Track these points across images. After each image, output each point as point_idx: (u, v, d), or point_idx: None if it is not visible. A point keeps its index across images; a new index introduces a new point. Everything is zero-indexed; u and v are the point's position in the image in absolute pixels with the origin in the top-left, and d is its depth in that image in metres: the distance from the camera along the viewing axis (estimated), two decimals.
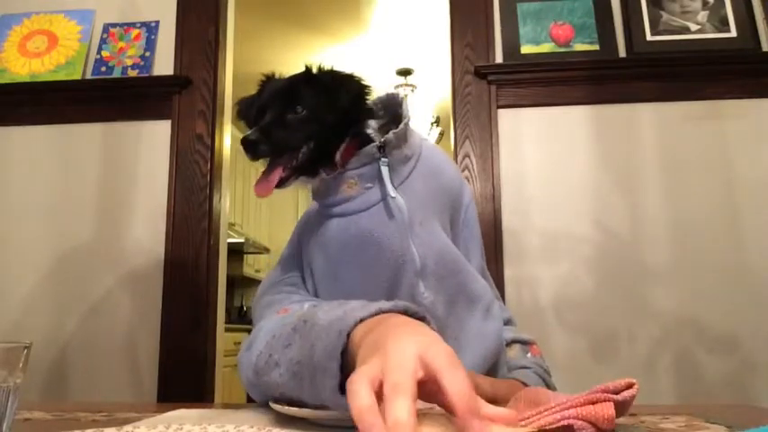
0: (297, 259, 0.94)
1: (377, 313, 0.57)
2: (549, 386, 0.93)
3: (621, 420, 0.63)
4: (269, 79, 0.92)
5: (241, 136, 0.85)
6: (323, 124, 0.84)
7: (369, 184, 0.85)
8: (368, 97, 0.89)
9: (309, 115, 0.84)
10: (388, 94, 0.94)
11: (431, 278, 0.86)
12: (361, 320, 0.56)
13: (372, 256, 0.83)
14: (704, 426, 0.64)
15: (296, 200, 5.55)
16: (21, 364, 0.52)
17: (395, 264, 0.83)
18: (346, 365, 0.55)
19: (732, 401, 1.63)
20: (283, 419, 0.64)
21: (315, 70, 0.88)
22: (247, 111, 0.91)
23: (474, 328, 0.90)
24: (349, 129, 0.86)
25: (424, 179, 0.89)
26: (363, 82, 0.88)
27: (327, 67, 0.89)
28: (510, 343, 0.96)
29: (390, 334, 0.49)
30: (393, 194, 0.83)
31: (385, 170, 0.84)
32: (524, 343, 0.98)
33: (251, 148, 0.80)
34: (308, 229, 0.92)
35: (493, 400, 0.76)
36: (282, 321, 0.73)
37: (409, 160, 0.88)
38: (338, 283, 0.86)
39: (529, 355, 0.96)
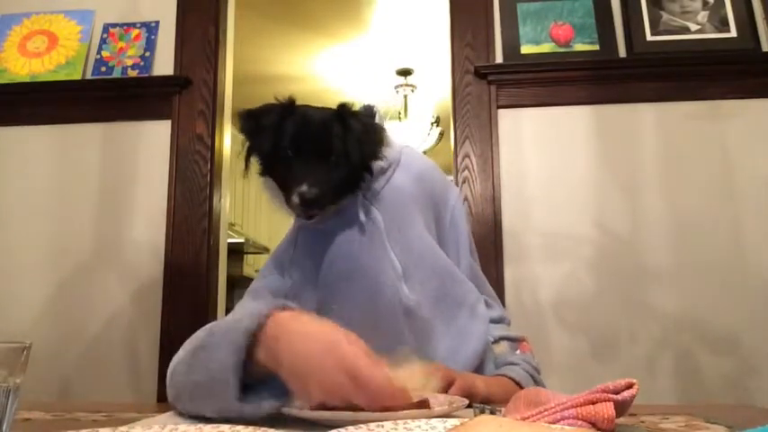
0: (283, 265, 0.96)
1: (262, 321, 0.64)
2: (537, 383, 0.94)
3: (621, 420, 0.63)
4: (290, 108, 0.87)
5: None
6: (350, 172, 0.86)
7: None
8: (385, 145, 0.91)
9: (342, 164, 0.85)
10: (365, 107, 0.96)
11: (414, 281, 0.88)
12: (255, 332, 0.63)
13: (350, 271, 0.86)
14: (704, 426, 0.64)
15: None
16: (21, 364, 0.52)
17: (372, 275, 0.86)
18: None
19: (732, 401, 1.62)
20: (282, 420, 0.64)
21: (346, 110, 0.87)
22: (261, 133, 0.86)
23: (460, 327, 0.92)
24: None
25: (403, 186, 0.92)
26: (385, 131, 0.91)
27: (356, 107, 0.90)
28: (498, 340, 0.97)
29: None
30: (363, 218, 0.87)
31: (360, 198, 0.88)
32: (513, 340, 0.98)
33: (311, 204, 0.82)
34: (292, 240, 0.95)
35: (487, 400, 0.77)
36: (180, 355, 0.75)
37: (385, 171, 0.91)
38: (323, 293, 0.88)
39: (518, 352, 0.97)
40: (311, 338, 0.63)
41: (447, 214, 0.99)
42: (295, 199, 0.82)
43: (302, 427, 0.59)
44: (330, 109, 0.89)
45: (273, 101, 0.89)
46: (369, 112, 0.95)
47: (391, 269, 0.86)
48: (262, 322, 0.64)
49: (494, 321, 0.98)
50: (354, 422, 0.53)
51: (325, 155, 0.84)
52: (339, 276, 0.87)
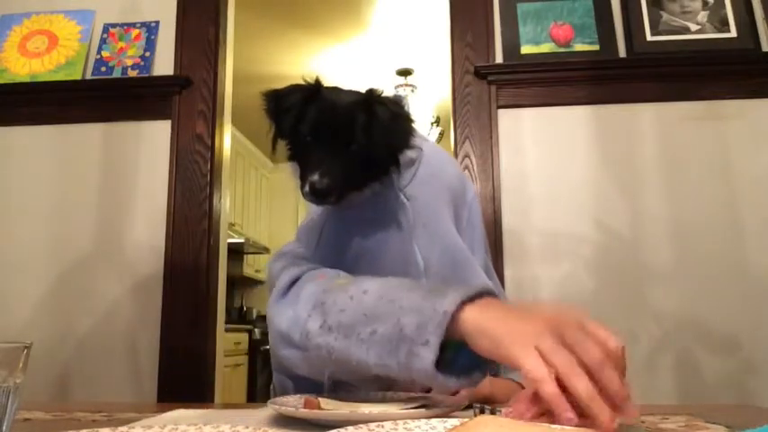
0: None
1: (474, 297, 0.61)
2: None
3: (621, 420, 0.63)
4: (315, 90, 0.84)
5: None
6: (374, 161, 0.83)
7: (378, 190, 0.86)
8: (414, 136, 0.87)
9: (364, 151, 0.82)
10: (394, 96, 0.94)
11: (436, 278, 0.87)
12: (463, 303, 0.60)
13: (374, 265, 0.85)
14: (704, 426, 0.64)
15: (296, 200, 5.55)
16: (21, 364, 0.52)
17: (395, 270, 0.84)
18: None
19: (732, 401, 1.62)
20: (281, 420, 0.64)
21: (373, 97, 0.84)
22: (283, 115, 0.84)
23: None
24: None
25: (427, 180, 0.90)
26: (413, 121, 0.87)
27: (384, 95, 0.86)
28: None
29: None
30: (396, 212, 0.85)
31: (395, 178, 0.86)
32: None
33: (320, 195, 0.79)
34: (319, 224, 0.92)
35: (491, 399, 0.76)
36: (325, 287, 0.73)
37: (413, 164, 0.89)
38: None
39: None
40: (532, 309, 0.59)
41: (465, 211, 0.98)
42: (306, 188, 0.79)
43: (301, 428, 0.59)
44: (358, 93, 0.85)
45: (301, 81, 0.85)
46: (397, 100, 0.92)
47: (414, 265, 0.86)
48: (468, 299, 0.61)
49: None
50: (353, 422, 0.53)
51: (346, 143, 0.81)
52: (362, 270, 0.85)
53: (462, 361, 0.62)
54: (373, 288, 0.69)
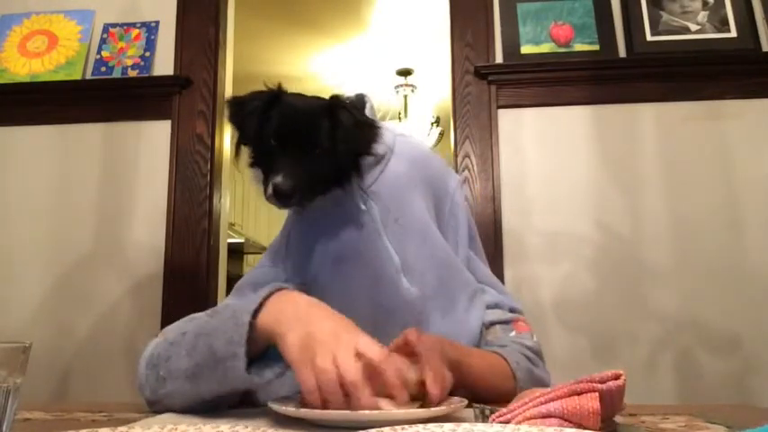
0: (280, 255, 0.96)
1: (264, 299, 0.70)
2: (531, 361, 0.90)
3: (621, 420, 0.63)
4: (277, 96, 0.85)
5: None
6: (336, 165, 0.84)
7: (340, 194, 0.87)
8: (378, 142, 0.87)
9: (327, 157, 0.82)
10: (357, 95, 0.95)
11: (414, 272, 0.87)
12: (256, 311, 0.68)
13: (346, 259, 0.86)
14: (704, 426, 0.64)
15: None
16: (21, 364, 0.52)
17: (370, 266, 0.85)
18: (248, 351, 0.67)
19: (732, 401, 1.62)
20: (281, 419, 0.64)
21: (337, 103, 0.84)
22: (246, 120, 0.85)
23: (457, 317, 0.91)
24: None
25: (398, 175, 0.90)
26: (378, 128, 0.87)
27: (348, 98, 0.88)
28: (489, 326, 0.95)
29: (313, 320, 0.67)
30: (363, 207, 0.86)
31: (355, 186, 0.87)
32: (505, 323, 0.95)
33: (284, 198, 0.81)
34: (292, 229, 0.95)
35: (459, 362, 0.76)
36: (158, 341, 0.82)
37: (380, 161, 0.89)
38: (320, 286, 0.88)
39: (513, 333, 0.94)
40: (321, 310, 0.69)
41: (447, 201, 0.97)
42: (269, 189, 0.80)
43: (301, 428, 0.59)
44: (321, 99, 0.86)
45: (263, 88, 0.87)
46: (360, 102, 0.93)
47: (389, 261, 0.86)
48: (263, 301, 0.69)
49: (488, 307, 0.96)
50: (352, 422, 0.53)
51: (309, 148, 0.82)
52: (336, 273, 0.86)
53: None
54: (191, 328, 0.76)
